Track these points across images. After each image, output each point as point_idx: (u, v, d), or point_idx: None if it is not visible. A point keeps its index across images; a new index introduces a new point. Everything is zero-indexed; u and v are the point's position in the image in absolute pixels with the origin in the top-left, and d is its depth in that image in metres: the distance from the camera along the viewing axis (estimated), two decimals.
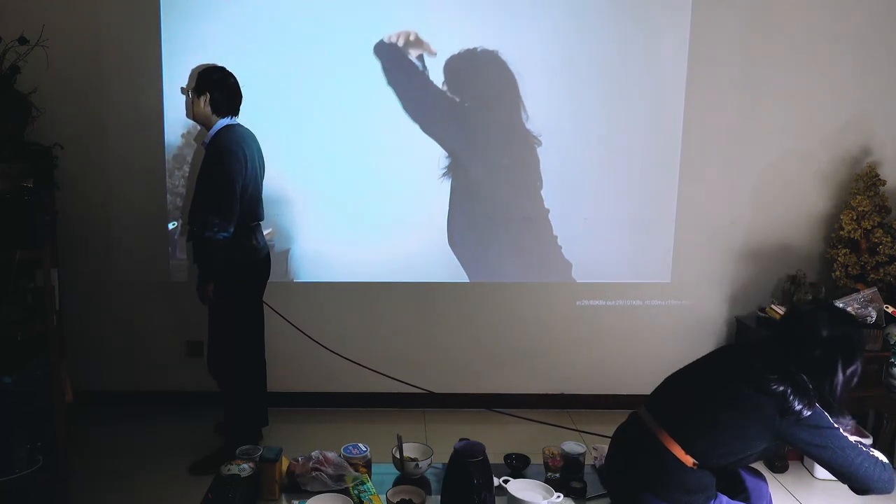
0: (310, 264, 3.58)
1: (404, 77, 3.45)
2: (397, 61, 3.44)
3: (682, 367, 2.15)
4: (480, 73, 3.49)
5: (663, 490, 1.95)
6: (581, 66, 3.50)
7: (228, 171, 2.85)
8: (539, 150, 3.56)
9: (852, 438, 1.91)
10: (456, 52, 3.44)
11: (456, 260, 3.61)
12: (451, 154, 3.53)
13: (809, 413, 1.86)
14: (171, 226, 3.53)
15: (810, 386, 1.88)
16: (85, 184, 3.49)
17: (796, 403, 1.85)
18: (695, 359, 2.15)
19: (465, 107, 3.50)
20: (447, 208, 3.58)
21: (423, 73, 3.45)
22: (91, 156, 3.49)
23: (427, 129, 3.50)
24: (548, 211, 3.61)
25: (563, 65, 3.50)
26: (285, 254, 3.55)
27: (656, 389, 2.14)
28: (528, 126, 3.52)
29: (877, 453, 1.94)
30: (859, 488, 1.93)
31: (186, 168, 3.50)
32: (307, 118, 3.47)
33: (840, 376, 1.89)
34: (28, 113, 3.00)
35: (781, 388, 1.87)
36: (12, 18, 3.25)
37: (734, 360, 2.05)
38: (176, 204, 3.53)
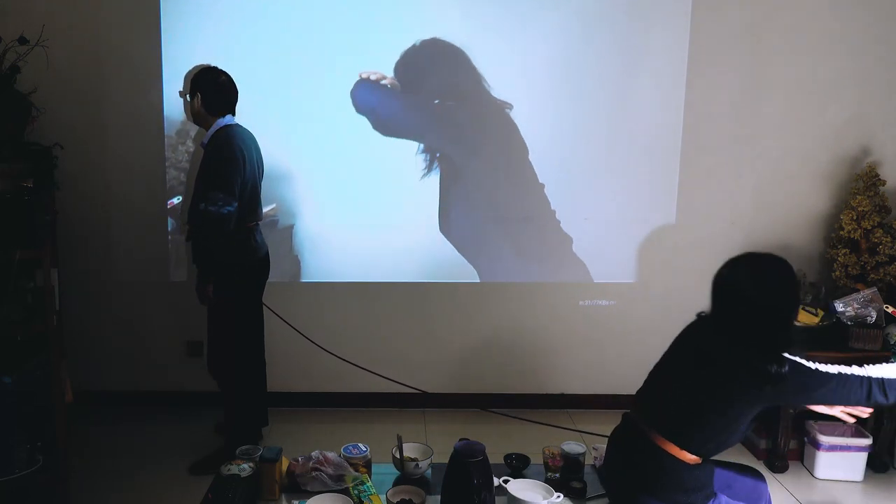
0: (311, 243, 3.57)
1: (375, 103, 3.48)
2: (368, 95, 3.47)
3: (659, 358, 2.15)
4: (437, 64, 3.48)
5: (662, 491, 1.95)
6: (580, 66, 3.50)
7: (229, 154, 2.87)
8: (539, 150, 3.56)
9: (833, 369, 1.89)
10: (412, 45, 3.45)
11: (455, 253, 3.62)
12: (429, 149, 3.55)
13: (786, 370, 1.85)
14: (175, 200, 3.53)
15: (772, 340, 1.88)
16: (85, 184, 3.49)
17: (770, 367, 1.85)
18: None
19: (434, 104, 3.51)
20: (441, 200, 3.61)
21: (391, 91, 3.47)
22: (91, 156, 3.49)
23: (405, 136, 3.53)
24: (547, 211, 3.62)
25: (562, 64, 3.50)
26: (289, 230, 3.55)
27: (641, 389, 2.13)
28: (495, 94, 3.51)
29: (869, 370, 1.93)
30: (868, 407, 1.94)
31: (189, 143, 3.49)
32: (310, 106, 3.47)
33: (780, 323, 1.91)
34: (28, 113, 3.00)
35: (751, 358, 1.87)
36: (12, 18, 3.25)
37: (701, 343, 2.04)
38: (180, 179, 3.52)
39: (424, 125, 3.53)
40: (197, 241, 2.96)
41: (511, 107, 3.51)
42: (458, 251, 3.62)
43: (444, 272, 3.63)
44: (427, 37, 3.44)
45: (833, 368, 1.90)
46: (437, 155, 3.55)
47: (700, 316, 2.11)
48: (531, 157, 3.57)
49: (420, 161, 3.54)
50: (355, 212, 3.56)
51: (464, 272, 3.64)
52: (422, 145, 3.53)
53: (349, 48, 3.44)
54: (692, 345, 2.07)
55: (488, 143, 3.56)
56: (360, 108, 3.48)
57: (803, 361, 1.89)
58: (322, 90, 3.46)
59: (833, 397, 1.91)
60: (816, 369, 1.88)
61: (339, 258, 3.59)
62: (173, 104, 3.43)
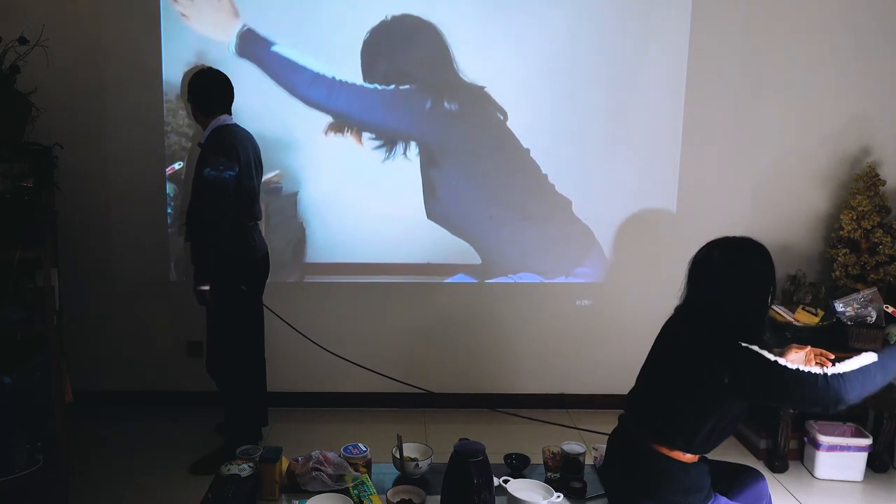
0: (316, 210, 3.57)
1: (323, 99, 3.49)
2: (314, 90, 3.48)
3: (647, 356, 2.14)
4: (408, 42, 3.48)
5: (662, 494, 1.94)
6: (580, 66, 3.50)
7: (228, 137, 2.91)
8: (538, 149, 3.56)
9: (791, 365, 1.81)
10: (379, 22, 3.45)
11: (451, 248, 3.63)
12: (398, 137, 3.55)
13: (736, 358, 1.82)
14: (176, 165, 3.52)
15: (739, 329, 1.85)
16: (85, 184, 3.49)
17: (722, 356, 1.83)
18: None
19: (401, 90, 3.49)
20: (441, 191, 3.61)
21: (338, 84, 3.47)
22: (91, 156, 3.49)
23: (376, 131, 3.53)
24: (550, 209, 3.62)
25: (561, 64, 3.50)
26: (293, 196, 3.56)
27: (631, 390, 2.13)
28: (464, 77, 3.50)
29: (839, 367, 1.83)
30: (823, 411, 1.85)
31: (187, 109, 3.48)
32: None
33: (749, 311, 1.87)
34: (28, 113, 3.00)
35: (710, 349, 1.86)
36: (12, 18, 3.25)
37: (673, 336, 2.03)
38: (181, 144, 3.52)
39: (387, 114, 3.51)
40: (195, 240, 2.95)
41: (483, 86, 3.50)
42: (452, 234, 3.63)
43: (446, 244, 3.63)
44: (398, 12, 3.44)
45: (791, 364, 1.80)
46: (412, 143, 3.54)
47: (676, 309, 2.08)
48: (531, 158, 3.57)
49: (392, 148, 3.55)
50: (359, 180, 3.55)
51: (463, 246, 3.64)
52: (391, 133, 3.53)
53: (350, 23, 3.44)
54: (667, 339, 2.07)
55: (462, 122, 3.54)
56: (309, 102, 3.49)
57: (762, 352, 1.82)
58: (324, 62, 3.46)
59: (790, 396, 1.81)
60: (775, 361, 1.80)
61: (342, 224, 3.59)
62: (173, 72, 3.44)
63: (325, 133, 3.49)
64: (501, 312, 3.73)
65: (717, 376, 1.85)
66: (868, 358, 1.86)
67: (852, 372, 1.82)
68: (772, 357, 1.81)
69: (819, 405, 1.82)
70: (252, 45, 3.42)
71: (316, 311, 3.66)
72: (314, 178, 3.55)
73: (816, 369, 1.81)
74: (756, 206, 3.65)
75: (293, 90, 3.46)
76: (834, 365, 1.85)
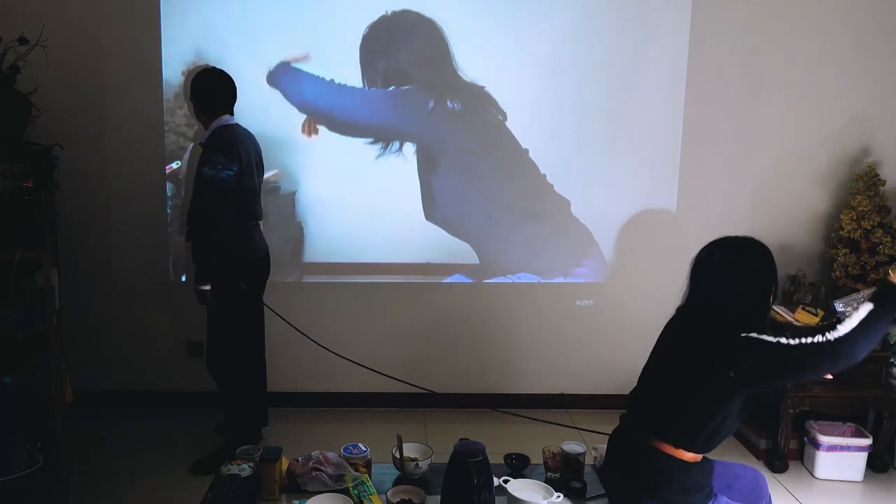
0: (314, 209, 3.57)
1: (310, 97, 3.48)
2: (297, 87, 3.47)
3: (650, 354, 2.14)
4: (406, 38, 3.47)
5: (662, 493, 1.94)
6: (580, 66, 3.50)
7: (230, 136, 2.92)
8: (538, 150, 3.56)
9: (794, 340, 1.80)
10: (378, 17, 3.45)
11: (450, 248, 3.63)
12: (395, 137, 3.55)
13: (748, 353, 1.81)
14: (174, 165, 3.52)
15: (740, 326, 1.84)
16: (85, 184, 3.49)
17: (726, 351, 1.83)
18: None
19: (401, 90, 3.49)
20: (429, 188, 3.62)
21: (330, 85, 3.47)
22: (91, 156, 3.49)
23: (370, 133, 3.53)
24: (549, 209, 3.62)
25: (561, 64, 3.50)
26: (291, 196, 3.55)
27: (633, 390, 2.13)
28: (464, 77, 3.49)
29: (841, 329, 1.81)
30: (833, 374, 1.86)
31: (188, 108, 3.49)
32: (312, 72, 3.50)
33: (750, 309, 1.87)
34: (28, 113, 3.00)
35: (713, 345, 1.85)
36: (12, 18, 3.25)
37: (675, 335, 2.03)
38: (179, 143, 3.53)
39: (386, 114, 3.51)
40: (196, 240, 2.95)
41: (482, 87, 3.49)
42: (450, 234, 3.62)
43: (445, 244, 3.62)
44: (398, 8, 3.44)
45: (794, 339, 1.80)
46: (409, 142, 3.54)
47: (678, 309, 2.08)
48: (530, 158, 3.57)
49: (388, 146, 3.55)
50: (358, 180, 3.55)
51: (462, 246, 3.64)
52: (388, 132, 3.53)
53: (349, 22, 3.44)
54: (669, 339, 2.07)
55: (461, 122, 3.53)
56: (294, 103, 3.48)
57: (762, 336, 1.81)
58: (322, 62, 3.46)
59: (802, 371, 1.82)
60: (777, 342, 1.80)
61: (341, 224, 3.59)
62: (173, 72, 3.44)
63: (303, 130, 3.49)
64: (502, 312, 3.73)
65: (722, 374, 1.85)
66: (865, 309, 1.85)
67: (855, 330, 1.81)
68: (773, 339, 1.81)
69: (831, 372, 1.84)
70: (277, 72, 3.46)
71: (315, 310, 3.66)
72: (312, 177, 3.55)
73: (819, 337, 1.80)
74: (756, 206, 3.65)
75: (292, 95, 3.46)
76: (835, 327, 1.83)
